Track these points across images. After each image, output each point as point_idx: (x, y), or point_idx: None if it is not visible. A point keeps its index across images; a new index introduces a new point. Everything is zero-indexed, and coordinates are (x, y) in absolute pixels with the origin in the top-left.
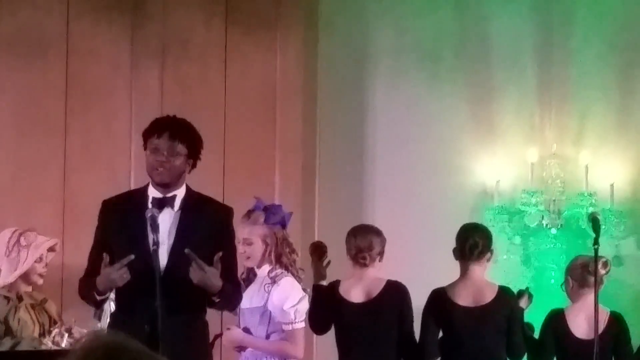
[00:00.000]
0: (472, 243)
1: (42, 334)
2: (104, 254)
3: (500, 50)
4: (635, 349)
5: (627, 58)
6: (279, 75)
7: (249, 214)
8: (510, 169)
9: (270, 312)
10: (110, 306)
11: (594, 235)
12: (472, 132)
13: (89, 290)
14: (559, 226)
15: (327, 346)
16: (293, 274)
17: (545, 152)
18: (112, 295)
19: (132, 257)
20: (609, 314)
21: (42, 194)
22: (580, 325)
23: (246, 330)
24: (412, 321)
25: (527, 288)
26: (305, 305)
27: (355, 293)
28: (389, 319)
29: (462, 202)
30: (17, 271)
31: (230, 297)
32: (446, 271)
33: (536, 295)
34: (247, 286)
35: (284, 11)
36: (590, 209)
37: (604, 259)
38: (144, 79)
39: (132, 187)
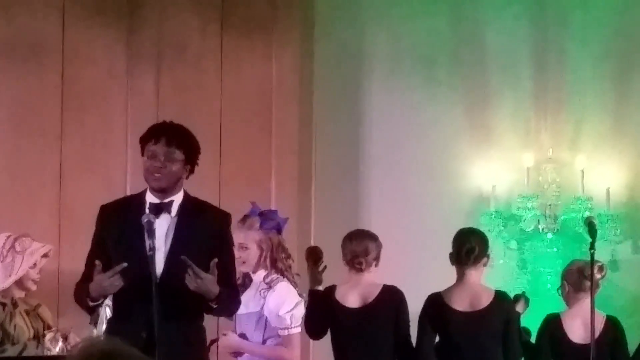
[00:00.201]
0: (469, 248)
1: (37, 340)
2: (97, 261)
3: (496, 55)
4: (631, 354)
5: (622, 63)
6: (274, 80)
7: (244, 219)
8: (506, 173)
9: (266, 317)
10: (107, 312)
11: (590, 239)
12: (468, 137)
13: (82, 296)
14: (555, 231)
15: (323, 351)
16: (289, 279)
17: (541, 156)
18: (108, 301)
19: (125, 265)
20: (605, 318)
21: (38, 200)
22: (577, 329)
23: (242, 335)
24: (408, 326)
25: (523, 292)
26: (301, 311)
27: (351, 298)
28: (385, 324)
29: (458, 206)
30: (11, 277)
31: (228, 303)
32: (442, 276)
33: (532, 300)
34: (242, 292)
35: (280, 16)
36: (586, 214)
37: (599, 264)
38: (139, 84)
39: (128, 192)
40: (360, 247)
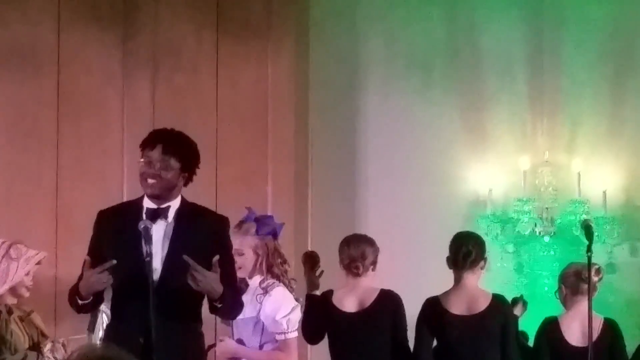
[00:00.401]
0: (465, 251)
1: (32, 347)
2: (86, 257)
3: (492, 58)
4: (629, 356)
5: (618, 66)
6: (270, 85)
7: (240, 224)
8: (502, 177)
9: (263, 322)
10: (103, 318)
11: (587, 242)
12: (464, 141)
13: (73, 295)
14: (552, 234)
15: (321, 356)
16: (285, 284)
17: (538, 159)
18: (105, 307)
19: (114, 262)
20: (602, 320)
21: (34, 206)
22: (575, 332)
23: (240, 341)
24: (405, 330)
25: (521, 296)
26: (297, 315)
27: (348, 302)
28: (382, 328)
29: (454, 210)
30: (6, 284)
31: (232, 303)
32: (440, 280)
33: (530, 303)
34: None
35: (275, 21)
36: (583, 216)
37: (596, 266)
38: (135, 90)
39: (125, 198)
40: (357, 251)
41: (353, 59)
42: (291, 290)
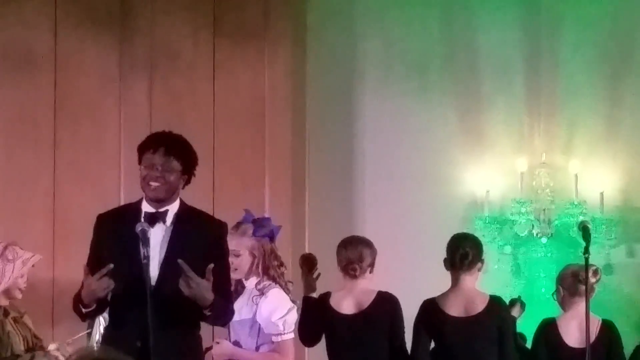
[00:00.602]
0: (463, 253)
1: (27, 349)
2: (84, 266)
3: (489, 60)
4: (627, 357)
5: (615, 67)
6: (267, 87)
7: (237, 225)
8: (499, 178)
9: (259, 324)
10: (101, 321)
11: (584, 243)
12: (461, 142)
13: (76, 304)
14: (550, 235)
15: (318, 358)
16: (281, 286)
17: (535, 161)
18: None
19: (111, 266)
20: (600, 322)
21: (32, 209)
22: (573, 334)
23: (237, 343)
24: (403, 332)
25: (518, 297)
26: (294, 316)
27: (346, 304)
28: (380, 330)
29: (452, 212)
30: (1, 285)
31: (222, 312)
32: (437, 281)
33: (527, 305)
34: (235, 299)
35: (272, 23)
36: (580, 218)
37: (594, 267)
38: (132, 92)
39: (122, 201)
40: (354, 253)
41: (350, 61)
42: (287, 292)
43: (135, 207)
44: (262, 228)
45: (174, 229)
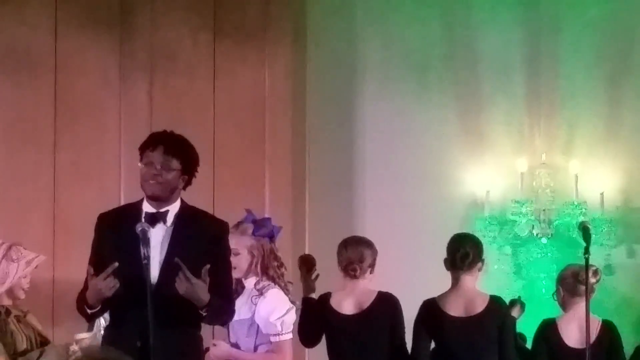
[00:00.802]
0: (463, 253)
1: (31, 347)
2: (88, 266)
3: (489, 60)
4: (627, 358)
5: (615, 67)
6: (267, 87)
7: (238, 224)
8: (500, 178)
9: (258, 324)
10: (101, 322)
11: (584, 244)
12: (461, 143)
13: (81, 304)
14: (550, 235)
15: (318, 358)
16: (280, 286)
17: (535, 161)
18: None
19: (116, 264)
20: (600, 322)
21: (32, 209)
22: (573, 334)
23: (235, 345)
24: (403, 332)
25: (519, 297)
26: (292, 317)
27: (346, 305)
28: (380, 330)
29: (452, 212)
30: (5, 284)
31: (218, 312)
32: (437, 282)
33: (527, 305)
34: (235, 298)
35: (272, 23)
36: (581, 218)
37: (594, 268)
38: (132, 93)
39: (122, 201)
40: (355, 253)
41: (350, 62)
42: (287, 292)
43: (135, 207)
44: (262, 227)
45: (174, 229)
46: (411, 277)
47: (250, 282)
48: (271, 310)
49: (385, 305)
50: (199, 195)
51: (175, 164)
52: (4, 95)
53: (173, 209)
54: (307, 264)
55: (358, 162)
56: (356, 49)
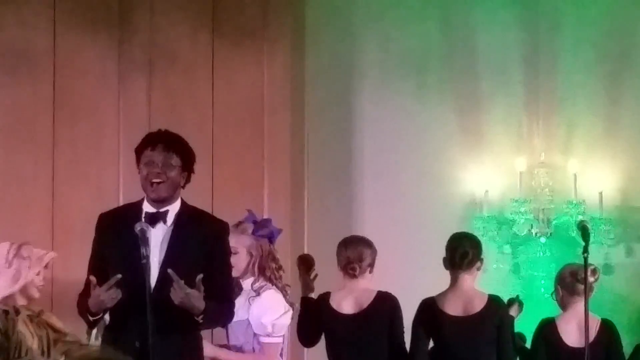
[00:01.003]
0: (462, 252)
1: (42, 347)
2: (91, 277)
3: (488, 60)
4: (627, 357)
5: (614, 66)
6: (266, 87)
7: (238, 224)
8: (498, 178)
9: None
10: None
11: (583, 243)
12: (460, 142)
13: (83, 311)
14: (548, 235)
15: (317, 358)
16: (278, 288)
17: (534, 161)
18: None
19: (119, 276)
20: (600, 321)
21: (31, 209)
22: (572, 333)
23: (235, 346)
24: (402, 332)
25: (517, 296)
26: (286, 321)
27: (346, 304)
28: (379, 329)
29: (451, 211)
30: (19, 282)
31: (217, 317)
32: (436, 281)
33: (526, 305)
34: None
35: (271, 23)
36: (579, 217)
37: (593, 267)
38: (131, 92)
39: (121, 200)
40: (354, 253)
41: (349, 61)
42: (284, 294)
43: (136, 207)
44: (262, 228)
45: (174, 229)
46: (410, 276)
47: (247, 283)
48: (264, 310)
49: (385, 305)
50: (197, 195)
51: (176, 160)
52: (2, 94)
53: (173, 208)
54: (306, 263)
55: (357, 162)
56: (354, 49)
